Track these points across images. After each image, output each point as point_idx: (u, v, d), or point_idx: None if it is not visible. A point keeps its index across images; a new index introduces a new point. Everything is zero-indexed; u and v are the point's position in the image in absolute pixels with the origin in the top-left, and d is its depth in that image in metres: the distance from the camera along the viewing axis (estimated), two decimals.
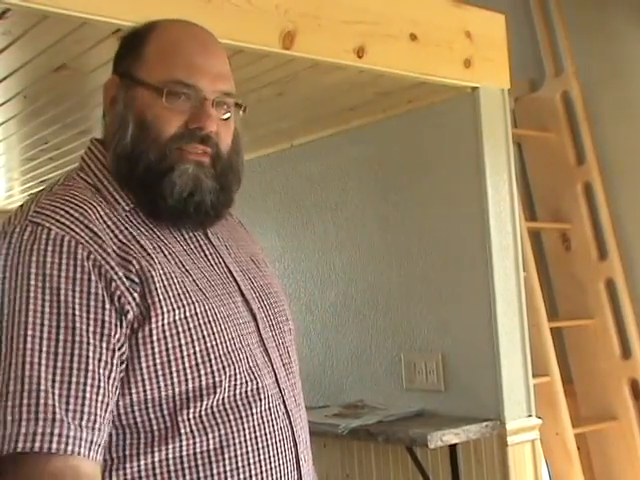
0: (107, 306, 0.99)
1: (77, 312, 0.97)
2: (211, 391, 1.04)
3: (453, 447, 2.39)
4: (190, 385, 1.02)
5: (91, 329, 0.97)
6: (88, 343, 0.97)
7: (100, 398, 0.97)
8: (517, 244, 2.49)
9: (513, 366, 2.43)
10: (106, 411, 0.97)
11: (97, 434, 0.96)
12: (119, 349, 0.99)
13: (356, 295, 2.77)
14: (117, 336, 0.99)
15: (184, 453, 1.02)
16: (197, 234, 1.15)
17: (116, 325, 0.99)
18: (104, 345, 0.98)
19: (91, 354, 0.96)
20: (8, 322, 0.96)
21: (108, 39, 1.80)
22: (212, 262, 1.13)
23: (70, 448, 0.93)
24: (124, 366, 1.01)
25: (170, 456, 1.01)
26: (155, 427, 1.01)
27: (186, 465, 1.02)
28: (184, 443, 1.02)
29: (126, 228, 1.06)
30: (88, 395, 0.96)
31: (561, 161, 3.39)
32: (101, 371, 0.97)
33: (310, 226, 2.94)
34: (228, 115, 1.17)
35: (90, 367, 0.96)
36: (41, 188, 1.11)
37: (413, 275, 2.60)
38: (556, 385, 3.02)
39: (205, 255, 1.13)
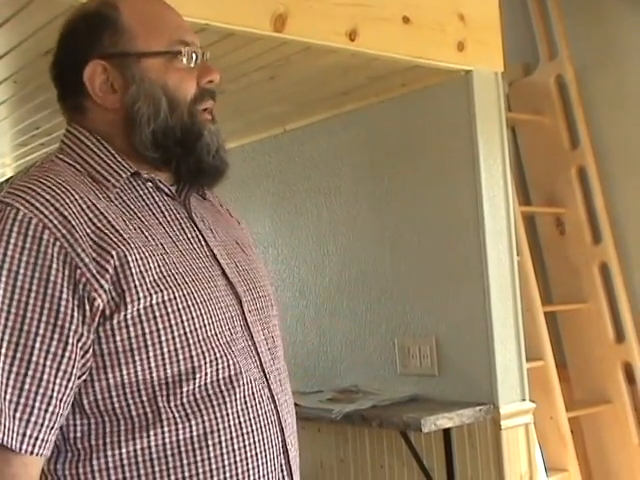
0: (64, 296, 0.97)
1: (31, 300, 0.96)
2: (190, 377, 1.02)
3: (447, 431, 2.40)
4: (169, 370, 1.01)
5: (43, 319, 0.96)
6: (36, 334, 0.95)
7: (41, 391, 0.95)
8: (511, 228, 2.49)
9: (507, 350, 2.43)
10: (49, 404, 0.96)
11: (32, 427, 0.95)
12: (77, 341, 0.97)
13: (350, 280, 2.76)
14: (73, 327, 0.97)
15: (167, 440, 1.01)
16: (181, 217, 1.13)
17: (73, 316, 0.97)
18: (55, 337, 0.96)
19: (37, 345, 0.95)
20: None
21: None
22: (195, 245, 1.11)
23: (3, 437, 0.93)
24: (90, 355, 0.99)
25: (152, 444, 1.00)
26: (134, 413, 1.00)
27: (169, 453, 1.01)
28: (166, 430, 1.01)
29: (102, 212, 1.03)
30: (27, 387, 0.94)
31: (555, 145, 3.38)
32: (47, 363, 0.95)
33: (304, 211, 2.93)
34: None
35: (33, 359, 0.95)
36: (19, 170, 1.10)
37: (407, 259, 2.59)
38: (550, 369, 3.03)
39: (188, 238, 1.11)
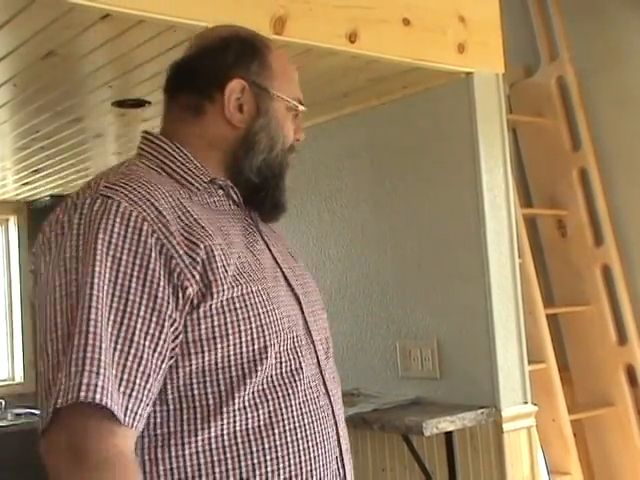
0: (162, 283, 1.05)
1: (133, 284, 1.04)
2: (260, 367, 1.10)
3: (449, 434, 2.39)
4: (245, 359, 1.09)
5: (144, 302, 1.04)
6: (138, 315, 1.03)
7: (141, 369, 1.02)
8: (512, 230, 2.48)
9: (509, 353, 2.42)
10: (147, 382, 1.03)
11: (133, 402, 1.01)
12: (171, 325, 1.05)
13: (351, 283, 2.76)
14: (168, 312, 1.05)
15: (237, 428, 1.08)
16: (248, 223, 1.24)
17: (168, 302, 1.05)
18: (153, 319, 1.04)
19: (139, 325, 1.03)
20: (79, 282, 1.03)
21: (97, 24, 1.78)
22: (261, 248, 1.22)
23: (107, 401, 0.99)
24: (179, 339, 1.07)
25: (225, 431, 1.08)
26: (211, 402, 1.08)
27: (239, 440, 1.08)
28: (237, 418, 1.08)
29: (188, 210, 1.12)
30: (129, 364, 1.01)
31: (557, 147, 3.37)
32: (146, 343, 1.03)
33: (304, 214, 2.92)
34: None
35: (135, 338, 1.02)
36: (106, 170, 1.18)
37: (408, 262, 2.59)
38: (552, 372, 3.02)
39: (255, 241, 1.22)
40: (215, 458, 1.07)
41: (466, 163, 2.44)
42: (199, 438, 1.07)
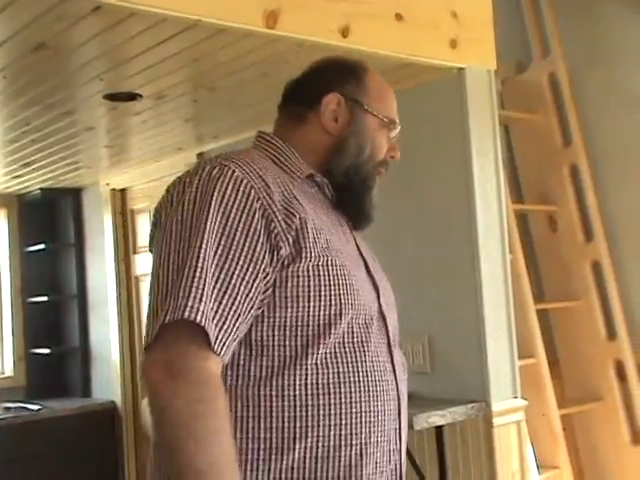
0: (261, 239, 1.22)
1: (237, 236, 1.21)
2: (332, 331, 1.26)
3: (439, 429, 2.40)
4: (321, 320, 1.25)
5: (244, 253, 1.21)
6: (237, 263, 1.21)
7: (234, 308, 1.19)
8: (503, 226, 2.49)
9: (499, 348, 2.43)
10: (237, 320, 1.19)
11: (223, 334, 1.17)
12: (264, 277, 1.22)
13: None
14: (263, 266, 1.22)
15: (308, 381, 1.24)
16: (337, 216, 1.40)
17: (264, 257, 1.22)
18: (250, 269, 1.21)
19: (237, 272, 1.20)
20: (192, 228, 1.21)
21: (88, 17, 1.77)
22: (347, 239, 1.39)
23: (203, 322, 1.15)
24: (269, 292, 1.23)
25: (297, 382, 1.23)
26: (287, 353, 1.24)
27: (309, 392, 1.24)
28: (309, 373, 1.24)
29: (290, 189, 1.30)
30: (224, 302, 1.18)
31: (548, 143, 3.38)
32: (241, 288, 1.20)
33: None
34: None
35: (232, 281, 1.20)
36: (216, 155, 1.34)
37: (399, 257, 2.59)
38: (542, 366, 3.03)
39: (344, 232, 1.39)
40: (285, 403, 1.23)
41: (457, 159, 2.44)
42: (274, 383, 1.23)
